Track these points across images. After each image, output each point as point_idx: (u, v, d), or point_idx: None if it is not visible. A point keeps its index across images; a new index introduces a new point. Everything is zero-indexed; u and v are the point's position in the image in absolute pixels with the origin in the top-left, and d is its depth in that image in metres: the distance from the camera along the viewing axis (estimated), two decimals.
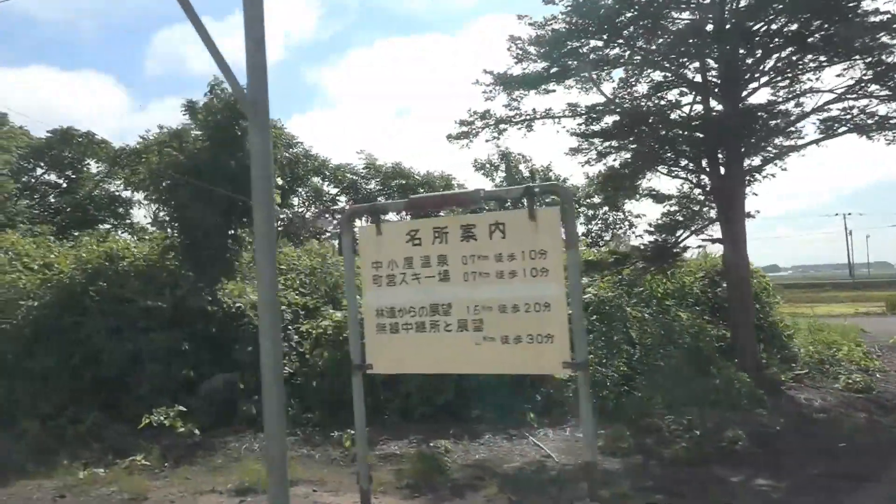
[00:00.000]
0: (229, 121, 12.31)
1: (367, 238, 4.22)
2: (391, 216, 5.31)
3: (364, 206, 4.30)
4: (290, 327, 10.08)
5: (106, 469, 7.01)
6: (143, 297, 9.65)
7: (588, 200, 22.58)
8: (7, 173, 27.07)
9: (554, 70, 10.98)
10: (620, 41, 10.80)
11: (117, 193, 32.22)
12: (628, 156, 11.81)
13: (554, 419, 8.59)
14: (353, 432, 8.04)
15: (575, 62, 11.02)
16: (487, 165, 24.56)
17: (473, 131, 11.28)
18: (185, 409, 8.17)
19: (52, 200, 33.94)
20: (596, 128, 11.68)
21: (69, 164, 33.64)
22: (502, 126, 11.20)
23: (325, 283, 11.41)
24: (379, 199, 34.59)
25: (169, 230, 12.41)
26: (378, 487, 6.23)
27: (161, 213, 12.55)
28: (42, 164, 33.62)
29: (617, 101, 11.18)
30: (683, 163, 11.59)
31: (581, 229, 23.23)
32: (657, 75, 11.50)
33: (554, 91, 11.53)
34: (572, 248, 3.73)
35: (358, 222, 4.67)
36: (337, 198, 32.39)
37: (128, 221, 31.18)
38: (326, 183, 32.99)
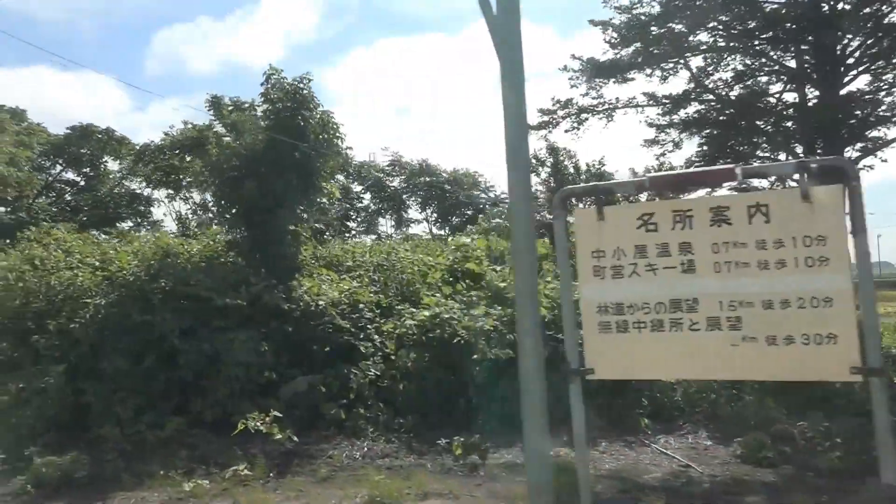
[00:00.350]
0: (290, 111, 11.80)
1: (585, 223, 3.67)
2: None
3: (583, 187, 3.77)
4: (368, 326, 9.54)
5: (209, 480, 6.46)
6: (217, 294, 9.11)
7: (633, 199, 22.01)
8: (29, 169, 26.54)
9: (640, 57, 10.46)
10: (712, 24, 10.26)
11: (139, 191, 31.70)
12: (707, 147, 11.31)
13: (665, 424, 8.06)
14: (461, 439, 7.56)
15: (657, 49, 10.50)
16: (534, 161, 23.94)
17: (554, 121, 10.78)
18: (279, 415, 7.61)
19: (69, 198, 33.46)
20: (678, 116, 11.16)
21: (87, 161, 33.14)
22: (583, 115, 10.69)
23: (395, 280, 10.87)
24: (403, 196, 34.21)
25: (227, 226, 11.89)
26: (516, 503, 5.70)
27: (223, 206, 11.98)
28: (60, 162, 33.09)
29: (703, 87, 10.63)
30: (764, 153, 11.08)
31: None
32: (738, 63, 10.96)
33: (633, 80, 11.02)
34: (860, 233, 3.19)
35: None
36: (361, 195, 31.90)
37: (151, 219, 30.69)
38: (350, 180, 32.46)
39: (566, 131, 10.52)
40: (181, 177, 29.94)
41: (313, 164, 11.50)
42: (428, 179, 31.70)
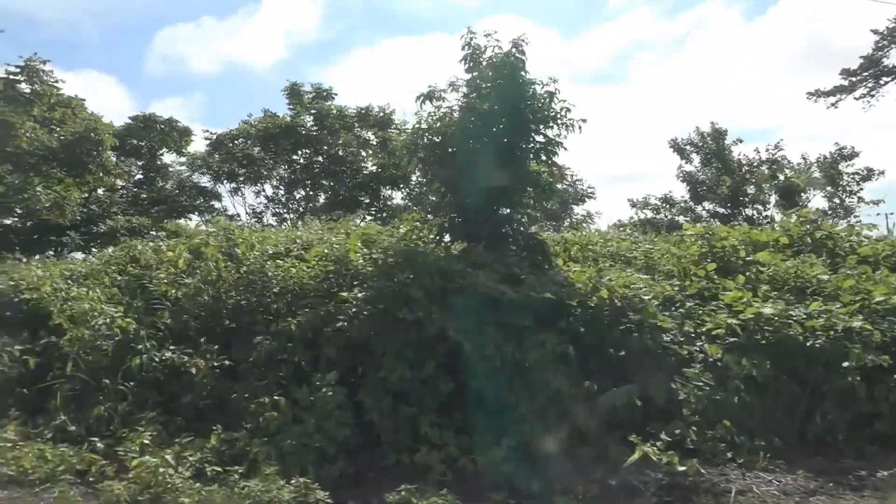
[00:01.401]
0: (506, 79, 10.23)
1: None
2: None
3: None
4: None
5: None
6: (510, 288, 7.54)
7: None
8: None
9: None
10: None
11: (205, 185, 30.07)
12: None
13: None
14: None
15: None
16: (688, 147, 22.02)
17: (851, 85, 9.20)
18: (668, 439, 6.05)
19: (122, 192, 31.78)
20: None
21: (146, 153, 31.51)
22: (883, 79, 9.12)
23: (658, 272, 9.28)
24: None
25: (443, 208, 10.31)
26: None
27: (438, 186, 10.40)
28: (119, 154, 31.42)
29: None
30: None
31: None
32: None
33: None
34: None
35: None
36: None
37: (225, 213, 29.00)
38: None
39: (856, 99, 9.04)
40: (256, 167, 28.69)
41: (546, 138, 9.96)
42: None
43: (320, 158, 28.26)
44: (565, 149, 10.13)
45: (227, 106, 72.99)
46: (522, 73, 10.22)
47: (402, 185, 30.21)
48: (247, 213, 28.68)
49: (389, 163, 28.29)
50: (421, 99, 11.00)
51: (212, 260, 9.15)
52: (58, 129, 18.69)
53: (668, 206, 21.79)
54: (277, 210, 27.70)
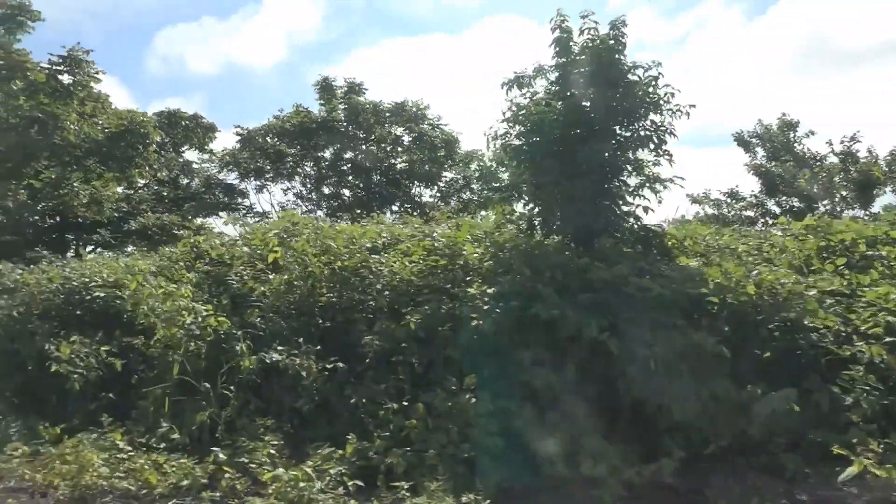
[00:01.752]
0: (607, 61, 9.61)
1: None
2: None
3: None
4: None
5: None
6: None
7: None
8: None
9: None
10: None
11: (232, 182, 29.38)
12: None
13: None
14: None
15: None
16: (753, 140, 21.22)
17: None
18: (880, 450, 5.43)
19: (144, 189, 31.09)
20: None
21: (170, 149, 30.82)
22: None
23: (777, 266, 8.64)
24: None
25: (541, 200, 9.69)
26: None
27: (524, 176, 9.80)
28: None
29: None
30: None
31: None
32: None
33: None
34: None
35: None
36: (471, 186, 29.73)
37: (256, 210, 28.28)
38: (454, 171, 30.21)
39: None
40: (286, 163, 28.04)
41: (654, 125, 9.34)
42: None
43: (349, 154, 27.66)
44: (675, 136, 9.52)
45: (228, 106, 72.52)
46: (621, 56, 9.59)
47: (431, 183, 29.64)
48: (275, 210, 28.04)
49: (421, 158, 27.71)
50: (508, 85, 10.36)
51: (303, 254, 8.55)
52: (99, 121, 18.05)
53: (733, 200, 21.03)
54: (310, 207, 27.03)
